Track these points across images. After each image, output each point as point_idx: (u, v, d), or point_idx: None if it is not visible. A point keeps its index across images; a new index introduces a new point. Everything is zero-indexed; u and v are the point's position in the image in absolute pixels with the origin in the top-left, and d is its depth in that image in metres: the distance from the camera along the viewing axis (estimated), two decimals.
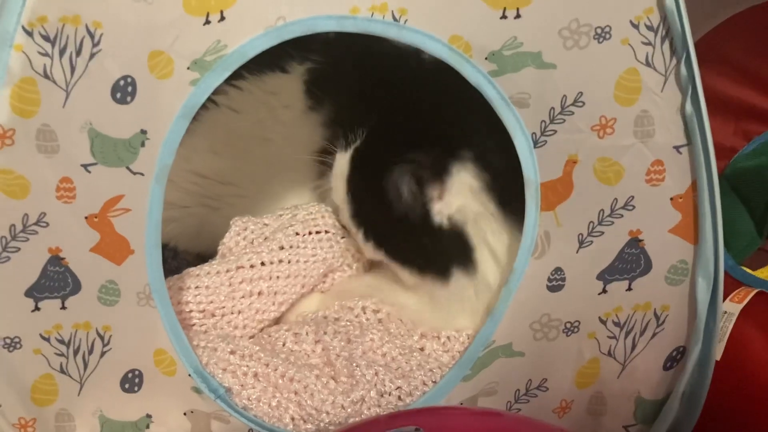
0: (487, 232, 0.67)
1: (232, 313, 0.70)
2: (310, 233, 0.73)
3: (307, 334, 0.69)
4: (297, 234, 0.73)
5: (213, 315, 0.70)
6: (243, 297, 0.70)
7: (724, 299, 0.70)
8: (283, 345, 0.69)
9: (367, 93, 0.71)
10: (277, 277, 0.71)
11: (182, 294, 0.69)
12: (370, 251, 0.71)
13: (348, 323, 0.70)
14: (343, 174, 0.70)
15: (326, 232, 0.74)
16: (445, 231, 0.67)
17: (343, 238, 0.74)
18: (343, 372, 0.66)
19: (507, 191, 0.65)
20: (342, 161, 0.71)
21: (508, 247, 0.67)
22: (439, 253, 0.68)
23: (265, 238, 0.73)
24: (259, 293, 0.71)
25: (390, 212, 0.68)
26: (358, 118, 0.70)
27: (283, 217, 0.74)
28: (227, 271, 0.70)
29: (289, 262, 0.72)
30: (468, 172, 0.66)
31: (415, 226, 0.67)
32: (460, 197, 0.66)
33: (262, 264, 0.71)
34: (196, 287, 0.69)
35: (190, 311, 0.69)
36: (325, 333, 0.69)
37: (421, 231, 0.67)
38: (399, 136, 0.68)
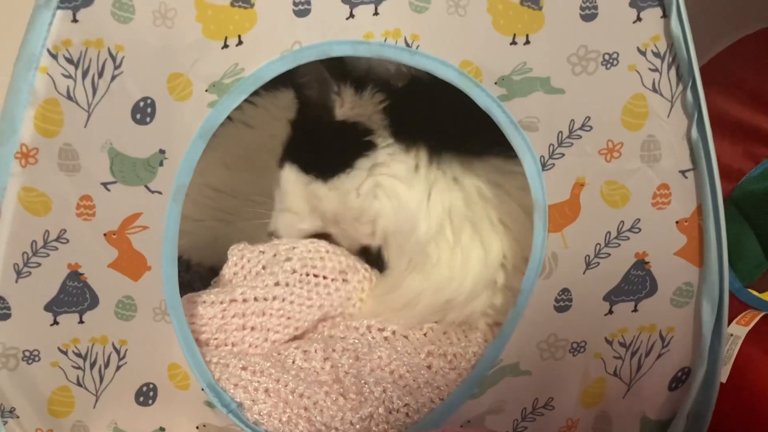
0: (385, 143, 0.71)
1: (225, 344, 0.70)
2: (307, 274, 0.73)
3: (316, 351, 0.70)
4: (294, 271, 0.72)
5: (206, 344, 0.70)
6: (235, 330, 0.71)
7: (731, 322, 0.71)
8: (293, 362, 0.69)
9: None
10: (270, 314, 0.71)
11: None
12: (290, 177, 0.74)
13: (356, 341, 0.71)
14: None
15: (324, 277, 0.73)
16: (346, 124, 0.71)
17: (344, 281, 0.74)
18: (351, 389, 0.67)
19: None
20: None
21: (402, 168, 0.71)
22: (341, 144, 0.72)
23: (263, 267, 0.73)
24: (252, 328, 0.71)
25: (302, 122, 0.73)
26: None
27: (280, 247, 0.74)
28: (221, 302, 0.70)
29: (283, 300, 0.72)
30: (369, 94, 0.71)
31: (323, 127, 0.73)
32: (359, 106, 0.71)
33: (255, 299, 0.71)
34: (191, 315, 0.69)
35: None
36: (333, 350, 0.70)
37: (327, 130, 0.72)
38: None
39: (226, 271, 0.74)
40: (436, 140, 0.71)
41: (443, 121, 0.70)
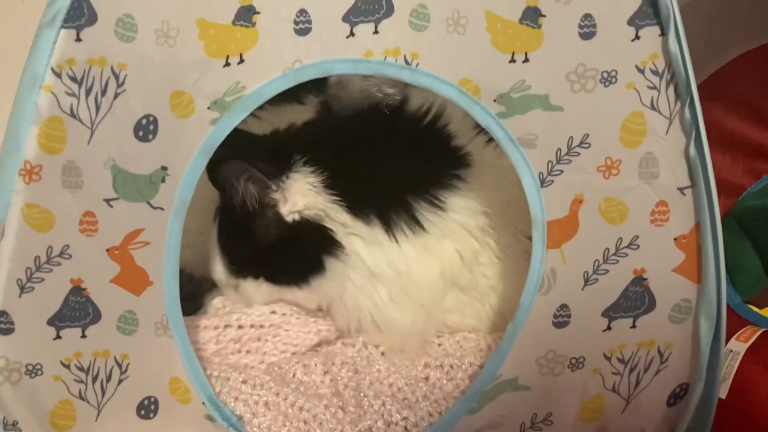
0: (343, 226, 0.69)
1: (221, 366, 0.70)
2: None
3: (315, 365, 0.70)
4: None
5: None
6: (231, 354, 0.71)
7: (730, 338, 0.71)
8: (293, 376, 0.70)
9: None
10: (266, 340, 0.72)
11: None
12: (255, 289, 0.73)
13: (354, 355, 0.72)
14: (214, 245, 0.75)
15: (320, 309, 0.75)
16: (302, 225, 0.70)
17: None
18: (351, 402, 0.67)
19: (357, 192, 0.69)
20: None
21: (371, 238, 0.69)
22: (306, 248, 0.70)
23: None
24: (248, 351, 0.72)
25: (253, 235, 0.71)
26: None
27: None
28: (215, 327, 0.72)
29: (279, 327, 0.73)
30: (302, 174, 0.69)
31: (276, 236, 0.70)
32: (303, 196, 0.69)
33: (251, 326, 0.72)
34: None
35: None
36: (333, 364, 0.70)
37: (284, 236, 0.70)
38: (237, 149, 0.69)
39: (217, 302, 0.75)
40: (381, 202, 0.70)
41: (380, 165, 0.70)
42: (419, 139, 0.73)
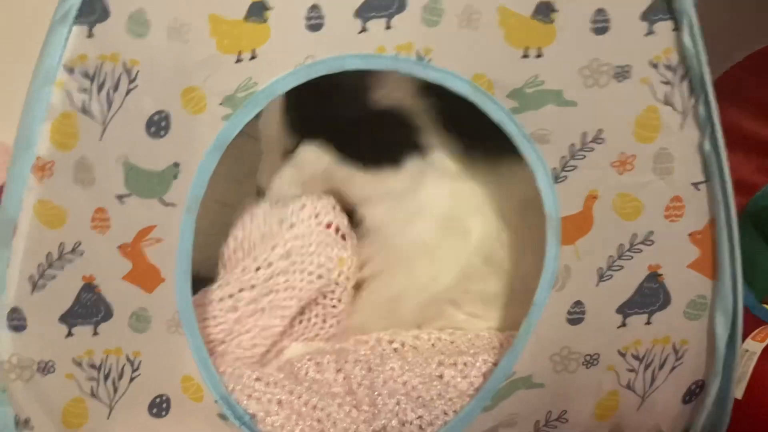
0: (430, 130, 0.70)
1: (240, 334, 0.70)
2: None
3: (328, 362, 0.70)
4: (296, 238, 0.73)
5: (222, 342, 0.71)
6: (250, 316, 0.71)
7: (746, 337, 0.70)
8: (306, 374, 0.70)
9: None
10: (277, 291, 0.72)
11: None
12: (315, 157, 0.72)
13: (368, 352, 0.71)
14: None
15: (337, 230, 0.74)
16: (393, 113, 0.69)
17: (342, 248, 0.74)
18: (365, 400, 0.67)
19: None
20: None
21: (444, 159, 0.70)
22: (386, 137, 0.70)
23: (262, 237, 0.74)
24: (262, 309, 0.72)
25: (333, 105, 0.69)
26: None
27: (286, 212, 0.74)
28: (230, 296, 0.71)
29: (286, 272, 0.72)
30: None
31: (358, 112, 0.69)
32: (401, 90, 0.69)
33: (264, 281, 0.72)
34: (204, 319, 0.70)
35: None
36: (346, 362, 0.70)
37: (371, 114, 0.69)
38: None
39: (226, 251, 0.74)
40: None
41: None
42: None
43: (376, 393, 0.67)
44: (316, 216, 0.74)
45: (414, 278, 0.73)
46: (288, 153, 0.74)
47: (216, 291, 0.72)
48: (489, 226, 0.72)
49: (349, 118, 0.70)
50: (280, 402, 0.66)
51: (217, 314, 0.71)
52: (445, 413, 0.66)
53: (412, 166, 0.71)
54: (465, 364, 0.70)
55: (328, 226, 0.74)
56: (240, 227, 0.75)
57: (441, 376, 0.70)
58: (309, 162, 0.73)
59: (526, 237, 0.71)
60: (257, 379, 0.67)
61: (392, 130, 0.70)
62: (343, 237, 0.74)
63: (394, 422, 0.66)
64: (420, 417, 0.66)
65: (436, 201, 0.71)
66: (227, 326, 0.71)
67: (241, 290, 0.72)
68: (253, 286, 0.72)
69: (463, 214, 0.72)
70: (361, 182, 0.72)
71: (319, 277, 0.73)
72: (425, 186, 0.71)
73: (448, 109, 0.69)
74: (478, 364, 0.69)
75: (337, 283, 0.74)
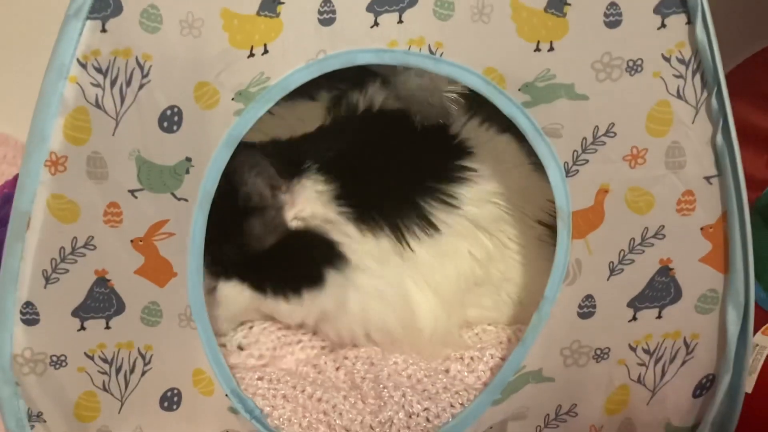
0: (350, 237, 0.69)
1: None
2: None
3: (325, 363, 0.70)
4: None
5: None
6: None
7: (756, 332, 0.70)
8: (306, 377, 0.70)
9: None
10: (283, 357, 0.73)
11: None
12: (235, 295, 0.71)
13: (368, 348, 0.71)
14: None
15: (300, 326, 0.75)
16: (304, 233, 0.69)
17: None
18: (370, 393, 0.67)
19: (367, 201, 0.69)
20: None
21: (378, 252, 0.69)
22: (305, 258, 0.69)
23: None
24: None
25: (247, 235, 0.69)
26: None
27: None
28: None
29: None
30: (315, 181, 0.69)
31: (273, 241, 0.69)
32: (311, 203, 0.69)
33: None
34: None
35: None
36: (345, 358, 0.70)
37: (282, 241, 0.69)
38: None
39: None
40: (391, 210, 0.70)
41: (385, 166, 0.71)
42: (419, 135, 0.73)
43: (381, 386, 0.67)
44: None
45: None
46: (211, 292, 0.71)
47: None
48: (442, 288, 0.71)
49: (259, 253, 0.69)
50: (285, 396, 0.67)
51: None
52: (452, 406, 0.67)
53: (333, 281, 0.69)
54: (472, 358, 0.70)
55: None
56: None
57: (447, 371, 0.70)
58: (229, 301, 0.71)
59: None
60: (259, 379, 0.68)
61: (306, 252, 0.69)
62: None
63: (401, 414, 0.66)
64: (426, 409, 0.66)
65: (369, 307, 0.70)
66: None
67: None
68: (261, 356, 0.72)
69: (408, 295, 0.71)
70: (287, 312, 0.72)
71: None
72: (351, 299, 0.70)
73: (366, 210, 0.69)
74: (485, 358, 0.69)
75: None
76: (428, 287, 0.71)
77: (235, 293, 0.71)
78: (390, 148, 0.73)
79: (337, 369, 0.70)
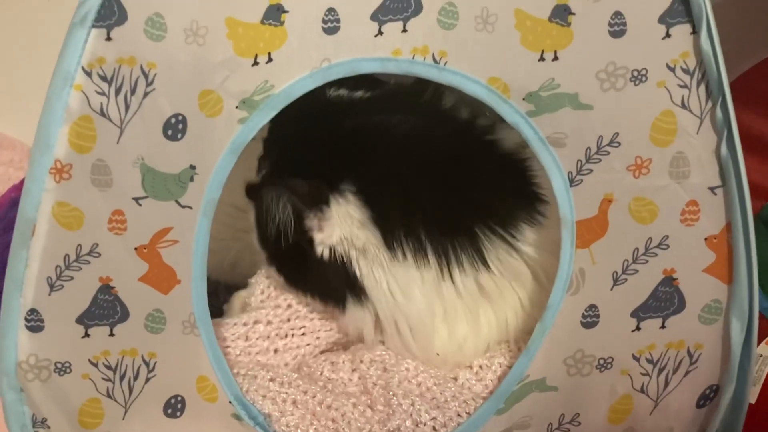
0: (375, 264, 0.67)
1: (248, 365, 0.70)
2: None
3: (343, 362, 0.70)
4: None
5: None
6: (259, 353, 0.71)
7: (760, 342, 0.70)
8: (321, 374, 0.70)
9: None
10: (293, 335, 0.72)
11: None
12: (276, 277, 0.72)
13: (383, 352, 0.71)
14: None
15: None
16: (330, 263, 0.68)
17: None
18: (379, 401, 0.67)
19: (400, 227, 0.66)
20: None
21: (405, 282, 0.67)
22: (328, 283, 0.69)
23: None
24: (275, 351, 0.72)
25: (280, 239, 0.68)
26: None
27: None
28: (244, 324, 0.71)
29: (305, 318, 0.73)
30: (349, 204, 0.67)
31: (303, 256, 0.69)
32: (341, 228, 0.67)
33: (280, 321, 0.72)
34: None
35: None
36: (361, 361, 0.70)
37: (310, 262, 0.69)
38: (285, 164, 0.69)
39: (253, 300, 0.74)
40: (438, 234, 0.67)
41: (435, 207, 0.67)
42: (499, 167, 0.68)
43: (391, 393, 0.67)
44: None
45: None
46: None
47: (229, 318, 0.73)
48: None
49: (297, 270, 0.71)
50: (294, 402, 0.67)
51: (227, 336, 0.71)
52: (459, 415, 0.67)
53: (353, 309, 0.69)
54: (480, 366, 0.70)
55: None
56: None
57: (456, 378, 0.70)
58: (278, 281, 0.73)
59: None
60: (271, 380, 0.67)
61: (332, 279, 0.69)
62: None
63: (408, 423, 0.66)
64: (434, 418, 0.66)
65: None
66: (233, 352, 0.71)
67: (256, 322, 0.72)
68: (269, 322, 0.72)
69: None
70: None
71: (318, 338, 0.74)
72: (368, 328, 0.70)
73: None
74: (493, 367, 0.69)
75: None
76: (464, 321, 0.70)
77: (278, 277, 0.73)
78: (451, 165, 0.67)
79: (353, 371, 0.70)
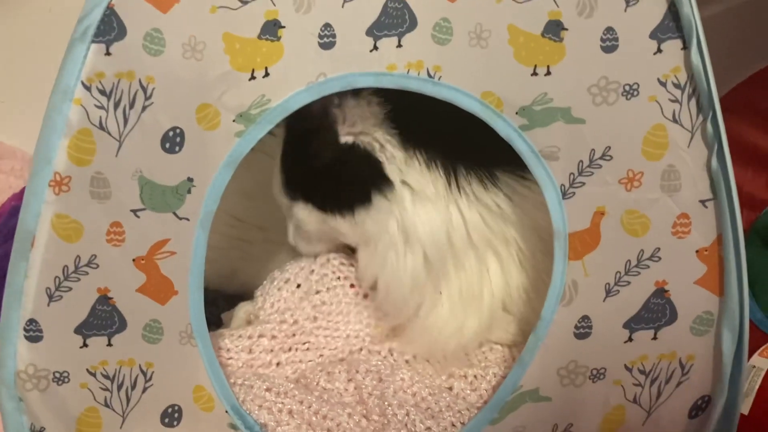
0: (393, 162, 0.68)
1: (246, 375, 0.70)
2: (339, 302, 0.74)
3: (339, 372, 0.71)
4: (323, 303, 0.74)
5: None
6: (262, 366, 0.71)
7: (753, 353, 0.70)
8: (317, 384, 0.70)
9: None
10: (296, 349, 0.73)
11: None
12: (306, 215, 0.72)
13: (378, 363, 0.72)
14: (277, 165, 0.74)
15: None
16: (354, 150, 0.68)
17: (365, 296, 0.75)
18: (375, 411, 0.68)
19: (416, 131, 0.67)
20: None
21: (419, 186, 0.68)
22: (355, 176, 0.69)
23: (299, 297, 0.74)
24: (278, 364, 0.72)
25: (309, 156, 0.69)
26: None
27: (312, 279, 0.75)
28: (249, 337, 0.72)
29: (310, 334, 0.73)
30: (370, 105, 0.67)
31: (329, 159, 0.69)
32: (363, 122, 0.67)
33: (285, 336, 0.72)
34: (218, 348, 0.70)
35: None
36: (357, 371, 0.70)
37: (335, 159, 0.69)
38: None
39: (262, 313, 0.74)
40: (450, 150, 0.68)
41: (451, 126, 0.66)
42: None
43: (386, 403, 0.68)
44: (338, 279, 0.75)
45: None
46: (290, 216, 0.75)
47: (236, 330, 0.73)
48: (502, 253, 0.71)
49: (319, 170, 0.70)
50: (290, 411, 0.67)
51: (231, 348, 0.71)
52: (453, 425, 0.67)
53: (378, 203, 0.69)
54: (475, 376, 0.70)
55: (352, 286, 0.75)
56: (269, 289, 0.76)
57: (451, 388, 0.70)
58: (303, 221, 0.73)
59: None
60: (267, 390, 0.68)
61: (357, 169, 0.69)
62: (365, 296, 0.75)
63: None
64: (429, 428, 0.67)
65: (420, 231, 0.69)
66: (235, 363, 0.71)
67: (260, 336, 0.72)
68: (274, 337, 0.72)
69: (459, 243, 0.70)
70: (345, 230, 0.72)
71: (347, 336, 0.74)
72: (397, 220, 0.69)
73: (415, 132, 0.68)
74: (488, 377, 0.70)
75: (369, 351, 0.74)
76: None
77: (305, 213, 0.72)
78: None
79: (349, 381, 0.70)
